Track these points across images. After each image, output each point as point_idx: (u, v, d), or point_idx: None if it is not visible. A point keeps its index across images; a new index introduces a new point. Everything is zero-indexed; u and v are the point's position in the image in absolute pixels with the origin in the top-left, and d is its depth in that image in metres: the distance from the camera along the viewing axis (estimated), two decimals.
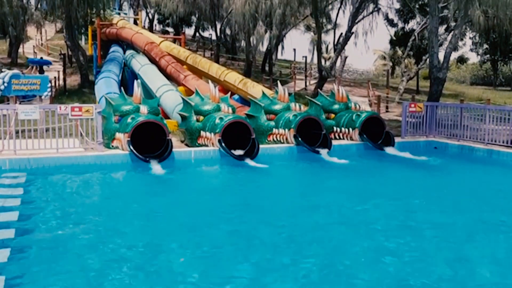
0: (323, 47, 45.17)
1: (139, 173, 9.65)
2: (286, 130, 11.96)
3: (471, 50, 36.94)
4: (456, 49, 29.39)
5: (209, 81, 15.41)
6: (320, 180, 9.67)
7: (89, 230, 6.11)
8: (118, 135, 10.60)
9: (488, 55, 38.97)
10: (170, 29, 40.71)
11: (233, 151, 10.74)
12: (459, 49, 33.32)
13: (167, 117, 14.45)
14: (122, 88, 13.45)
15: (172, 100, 14.85)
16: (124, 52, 23.11)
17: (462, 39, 30.54)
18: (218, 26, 33.58)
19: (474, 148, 12.51)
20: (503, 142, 12.26)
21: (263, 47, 32.19)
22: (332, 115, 13.23)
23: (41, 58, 24.52)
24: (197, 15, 36.32)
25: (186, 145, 12.04)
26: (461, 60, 38.60)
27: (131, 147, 10.07)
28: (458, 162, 11.85)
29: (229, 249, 5.57)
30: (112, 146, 10.84)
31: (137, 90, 11.13)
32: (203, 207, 7.37)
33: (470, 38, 33.91)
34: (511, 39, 25.95)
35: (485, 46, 34.91)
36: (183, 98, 12.77)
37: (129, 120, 10.42)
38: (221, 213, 7.01)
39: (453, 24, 23.66)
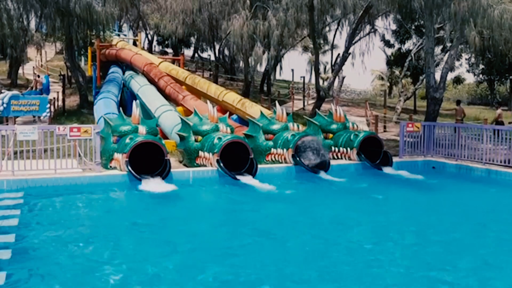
0: (321, 67, 45.57)
1: (137, 194, 9.60)
2: (285, 150, 11.98)
3: (468, 70, 37.32)
4: (452, 69, 29.69)
5: (208, 101, 15.45)
6: (319, 198, 9.67)
7: (86, 252, 6.06)
8: (117, 155, 10.60)
9: (484, 75, 39.35)
10: (169, 50, 41.14)
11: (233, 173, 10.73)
12: (455, 69, 33.69)
13: (165, 137, 14.47)
14: (121, 108, 13.49)
15: (171, 120, 14.91)
16: (123, 73, 23.27)
17: (458, 60, 30.91)
18: (217, 47, 34.00)
19: (472, 167, 12.53)
20: (500, 162, 12.28)
21: (262, 68, 32.51)
22: (330, 135, 13.25)
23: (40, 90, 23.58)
24: (196, 36, 36.78)
25: (185, 165, 12.03)
26: (458, 80, 38.97)
27: (129, 168, 10.06)
28: (456, 182, 11.84)
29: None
30: (110, 166, 10.83)
31: (136, 110, 11.17)
32: (201, 228, 7.34)
33: (466, 58, 34.29)
34: (506, 59, 26.23)
35: (481, 66, 35.30)
36: (181, 118, 12.82)
37: (127, 140, 10.43)
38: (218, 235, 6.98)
39: (449, 44, 23.98)
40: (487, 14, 15.63)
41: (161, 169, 10.32)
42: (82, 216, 8.04)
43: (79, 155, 10.87)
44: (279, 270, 5.53)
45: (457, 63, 31.74)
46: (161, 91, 19.08)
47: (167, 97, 18.67)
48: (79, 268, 5.51)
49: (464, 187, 11.27)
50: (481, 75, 39.49)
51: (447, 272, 5.48)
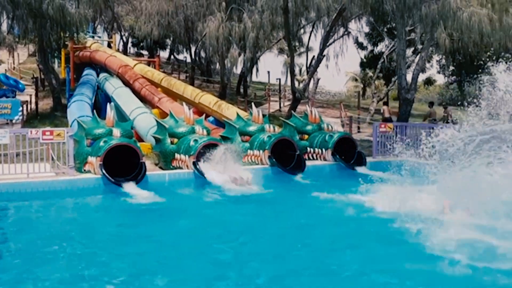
0: (296, 69, 45.90)
1: (112, 198, 9.53)
2: (261, 151, 12.08)
3: (438, 72, 38.19)
4: (423, 70, 30.33)
5: (184, 103, 15.48)
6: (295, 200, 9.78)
7: (58, 257, 6.00)
8: (91, 158, 10.50)
9: (454, 76, 40.32)
10: (145, 52, 40.80)
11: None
12: (426, 70, 34.44)
13: (141, 140, 14.39)
14: (95, 111, 13.36)
15: (146, 122, 14.83)
16: (98, 75, 23.01)
17: (429, 61, 31.63)
18: (193, 49, 33.84)
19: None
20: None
21: (238, 70, 32.57)
22: (306, 136, 13.41)
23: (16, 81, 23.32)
24: (171, 38, 36.53)
25: (161, 168, 12.00)
26: (429, 81, 39.76)
27: (104, 171, 9.98)
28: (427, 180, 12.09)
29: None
30: (84, 170, 10.72)
31: (110, 113, 11.09)
32: (179, 231, 7.34)
33: (436, 60, 35.11)
34: (475, 60, 26.98)
35: (451, 67, 36.20)
36: (157, 121, 12.78)
37: (101, 143, 10.35)
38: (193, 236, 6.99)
39: (420, 46, 24.51)
40: (457, 17, 16.07)
41: (136, 172, 10.26)
42: (54, 221, 7.94)
43: (52, 159, 10.73)
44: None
45: (428, 65, 32.48)
46: (136, 93, 18.95)
47: (143, 99, 18.56)
48: (47, 275, 5.40)
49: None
50: (451, 76, 40.47)
51: None
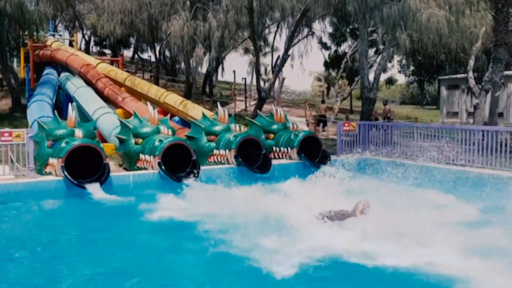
0: (262, 69, 46.13)
1: (74, 200, 9.33)
2: (227, 151, 12.09)
3: (399, 71, 39.33)
4: (385, 70, 31.15)
5: (148, 103, 15.27)
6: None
7: (16, 262, 5.84)
8: (52, 160, 10.24)
9: (414, 76, 41.59)
10: (108, 51, 40.01)
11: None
12: (388, 70, 35.40)
13: (104, 140, 14.13)
14: (56, 111, 13.03)
15: (110, 123, 14.57)
16: (59, 75, 22.40)
17: (390, 61, 32.50)
18: (157, 48, 33.50)
19: (404, 163, 13.23)
20: (430, 158, 13.06)
21: (203, 69, 32.46)
22: (271, 135, 13.52)
23: None
24: (135, 37, 36.01)
25: (125, 168, 11.82)
26: (390, 81, 40.93)
27: (65, 173, 9.75)
28: (388, 177, 12.40)
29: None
30: (45, 172, 10.44)
31: (72, 113, 10.85)
32: (143, 232, 7.27)
33: (398, 60, 36.13)
34: (434, 60, 27.90)
35: (412, 67, 37.37)
36: (120, 121, 12.58)
37: (63, 144, 10.11)
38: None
39: (381, 47, 25.14)
40: (416, 18, 16.53)
41: (100, 174, 10.08)
42: (14, 225, 7.70)
43: (11, 161, 10.39)
44: None
45: (389, 65, 33.37)
46: (99, 93, 18.57)
47: (106, 99, 18.21)
48: (3, 279, 5.26)
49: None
50: (411, 76, 41.74)
51: None
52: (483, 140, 11.95)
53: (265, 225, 6.55)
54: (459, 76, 28.29)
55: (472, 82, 18.05)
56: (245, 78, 34.23)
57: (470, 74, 18.39)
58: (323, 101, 24.03)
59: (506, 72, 19.61)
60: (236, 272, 5.54)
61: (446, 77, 30.06)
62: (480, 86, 17.68)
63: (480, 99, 17.18)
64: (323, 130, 20.80)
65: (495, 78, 16.54)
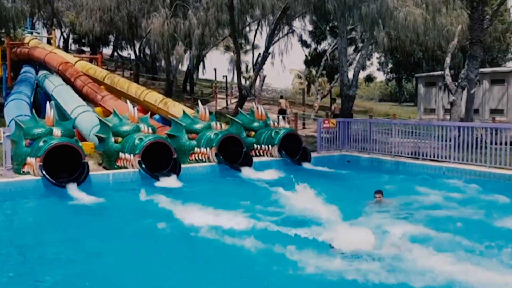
0: (243, 67, 46.10)
1: (53, 200, 9.21)
2: (208, 148, 12.10)
3: (378, 69, 39.82)
4: (364, 68, 31.49)
5: (127, 101, 15.13)
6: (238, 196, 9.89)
7: None
8: (30, 159, 10.10)
9: (393, 74, 42.16)
10: (87, 49, 39.45)
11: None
12: (367, 68, 35.80)
13: (83, 139, 13.99)
14: (34, 110, 12.85)
15: (89, 121, 14.43)
16: (37, 73, 22.05)
17: (369, 59, 32.87)
18: (137, 46, 33.19)
19: (383, 160, 13.46)
20: (408, 154, 13.32)
21: (184, 67, 32.30)
22: (252, 133, 13.57)
23: None
24: (114, 35, 35.60)
25: (105, 167, 11.74)
26: (369, 78, 41.41)
27: (44, 172, 9.65)
28: (367, 173, 12.63)
29: None
30: (23, 171, 10.30)
31: (50, 112, 10.72)
32: (123, 232, 7.24)
33: (376, 58, 36.59)
34: (412, 58, 28.34)
35: (390, 65, 37.88)
36: (100, 119, 12.48)
37: (41, 143, 9.99)
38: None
39: (360, 45, 25.39)
40: (394, 16, 16.76)
41: (79, 173, 9.99)
42: None
43: None
44: None
45: (368, 62, 33.73)
46: (78, 91, 18.36)
47: (85, 97, 18.02)
48: None
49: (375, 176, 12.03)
50: (390, 74, 42.29)
51: None
52: (459, 136, 12.21)
53: None
54: (436, 73, 28.78)
55: (448, 79, 18.40)
56: (226, 76, 34.24)
57: (447, 71, 18.74)
58: (281, 97, 25.40)
59: (481, 70, 20.06)
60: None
61: (424, 74, 30.55)
62: (456, 83, 18.04)
63: (457, 96, 17.53)
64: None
65: (471, 75, 16.90)
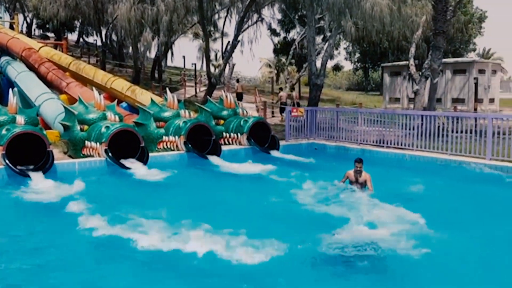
0: (212, 54, 45.83)
1: (15, 190, 8.97)
2: (176, 137, 12.06)
3: (346, 58, 40.38)
4: (332, 57, 31.87)
5: (93, 88, 14.88)
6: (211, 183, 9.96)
7: None
8: None
9: (360, 63, 42.80)
10: (51, 34, 38.35)
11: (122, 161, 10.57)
12: (334, 57, 36.25)
13: (48, 127, 13.69)
14: None
15: (53, 109, 14.11)
16: None
17: (337, 48, 33.28)
18: (104, 32, 32.44)
19: (349, 148, 13.76)
20: (373, 142, 13.67)
21: (152, 54, 31.85)
22: (221, 121, 13.61)
23: None
24: (80, 20, 34.70)
25: (70, 156, 11.55)
26: (337, 67, 41.90)
27: (7, 161, 9.43)
28: (334, 161, 12.87)
29: None
30: None
31: (13, 99, 10.45)
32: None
33: (344, 47, 37.03)
34: (378, 48, 28.85)
35: (357, 55, 38.43)
36: (65, 107, 12.24)
37: (3, 131, 9.74)
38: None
39: (328, 34, 25.67)
40: (361, 6, 17.06)
41: (43, 162, 9.82)
42: None
43: None
44: None
45: (336, 52, 34.16)
46: (42, 78, 17.86)
47: (49, 84, 17.55)
48: None
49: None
50: (357, 63, 42.90)
51: None
52: (422, 124, 12.59)
53: None
54: (401, 63, 29.45)
55: (413, 69, 18.88)
56: (195, 64, 33.97)
57: (411, 61, 19.22)
58: (238, 80, 26.21)
59: (444, 60, 20.66)
60: None
61: (389, 64, 31.20)
62: (420, 73, 18.52)
63: (420, 86, 18.02)
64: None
65: (434, 65, 17.39)
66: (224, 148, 12.59)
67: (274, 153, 13.03)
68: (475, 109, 20.62)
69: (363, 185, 8.61)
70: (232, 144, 13.34)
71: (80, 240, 6.32)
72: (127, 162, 10.68)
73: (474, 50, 47.11)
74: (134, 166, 10.59)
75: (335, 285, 5.14)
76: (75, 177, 9.92)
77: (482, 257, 5.76)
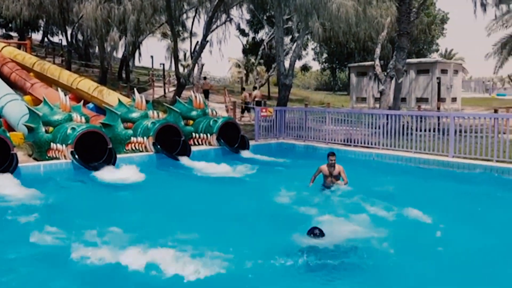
0: (181, 54, 45.52)
1: None
2: (145, 138, 11.96)
3: (314, 59, 40.87)
4: (300, 57, 32.19)
5: (59, 89, 14.59)
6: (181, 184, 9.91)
7: None
8: None
9: (327, 63, 43.43)
10: (14, 34, 37.22)
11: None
12: (302, 58, 36.60)
13: (12, 129, 13.33)
14: None
15: (17, 110, 13.74)
16: None
17: (305, 49, 33.65)
18: (69, 31, 31.74)
19: (317, 147, 13.97)
20: (340, 141, 13.91)
21: (119, 54, 31.39)
22: (191, 122, 13.57)
23: None
24: (44, 19, 33.82)
25: (35, 159, 11.28)
26: (305, 68, 42.33)
27: None
28: (303, 160, 13.02)
29: None
30: None
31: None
32: (54, 223, 6.99)
33: (312, 48, 37.48)
34: (345, 49, 29.36)
35: (325, 55, 38.99)
36: (29, 108, 11.95)
37: None
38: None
39: (296, 35, 25.94)
40: (327, 7, 17.35)
41: (7, 165, 9.55)
42: None
43: None
44: None
45: (304, 52, 34.50)
46: (5, 78, 17.37)
47: (13, 85, 17.08)
48: None
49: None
50: (325, 63, 43.48)
51: None
52: (387, 123, 12.91)
53: None
54: (367, 63, 30.01)
55: (378, 69, 19.32)
56: (163, 64, 33.61)
57: (377, 61, 19.67)
58: (205, 78, 26.73)
59: (408, 60, 21.21)
60: None
61: (355, 64, 31.77)
62: (385, 73, 18.97)
63: (386, 85, 18.46)
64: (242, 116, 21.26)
65: (398, 65, 17.85)
66: (193, 148, 12.55)
67: (244, 153, 13.09)
68: (438, 108, 21.23)
69: (337, 177, 8.76)
70: (202, 144, 13.33)
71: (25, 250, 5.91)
72: (94, 164, 10.52)
73: (437, 50, 48.55)
74: (101, 168, 10.41)
75: None
76: (40, 180, 9.73)
77: (456, 250, 5.88)
